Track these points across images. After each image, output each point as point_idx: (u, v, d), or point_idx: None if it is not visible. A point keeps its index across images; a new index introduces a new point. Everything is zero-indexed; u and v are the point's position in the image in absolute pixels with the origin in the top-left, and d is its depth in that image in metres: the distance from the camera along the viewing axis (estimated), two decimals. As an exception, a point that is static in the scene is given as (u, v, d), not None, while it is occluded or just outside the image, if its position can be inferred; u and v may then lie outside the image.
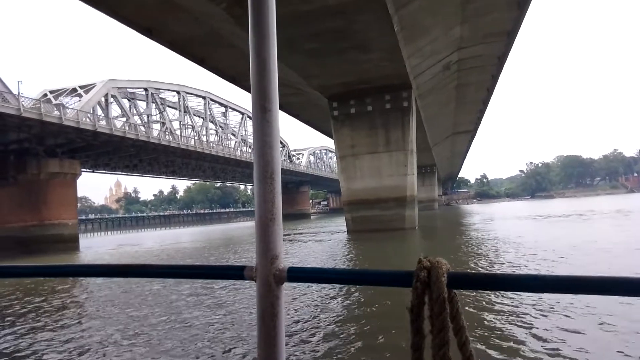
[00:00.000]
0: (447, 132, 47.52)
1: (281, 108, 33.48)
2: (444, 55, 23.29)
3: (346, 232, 26.56)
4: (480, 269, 11.17)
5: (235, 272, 1.00)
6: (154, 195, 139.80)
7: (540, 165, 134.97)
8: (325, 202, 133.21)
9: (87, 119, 31.70)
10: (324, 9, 14.91)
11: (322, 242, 23.41)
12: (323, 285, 8.87)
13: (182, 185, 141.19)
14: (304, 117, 37.65)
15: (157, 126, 44.75)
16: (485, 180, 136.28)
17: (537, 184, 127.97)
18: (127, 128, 35.89)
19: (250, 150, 57.88)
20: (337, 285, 8.97)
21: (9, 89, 28.51)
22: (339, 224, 39.98)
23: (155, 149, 39.71)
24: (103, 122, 34.10)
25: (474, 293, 7.34)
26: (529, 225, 27.07)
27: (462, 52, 23.84)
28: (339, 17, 15.74)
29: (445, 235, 24.65)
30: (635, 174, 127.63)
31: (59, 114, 28.47)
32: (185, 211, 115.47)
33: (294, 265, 0.96)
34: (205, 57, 22.63)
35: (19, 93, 28.22)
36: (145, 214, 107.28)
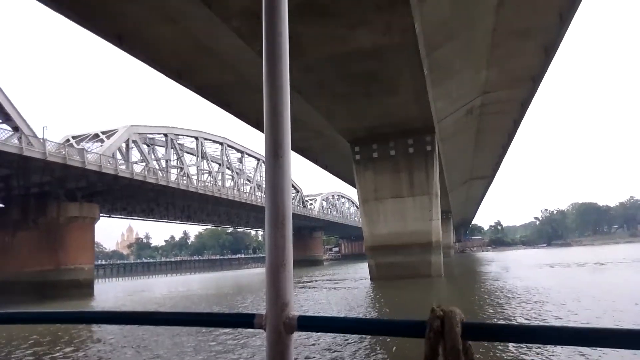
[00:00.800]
0: (465, 177, 47.12)
1: (301, 153, 33.61)
2: (469, 100, 23.35)
3: (369, 279, 25.70)
4: (523, 321, 10.48)
5: (245, 320, 0.99)
6: (166, 240, 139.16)
7: (555, 212, 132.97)
8: (337, 249, 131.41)
9: (109, 164, 31.93)
10: (359, 51, 15.04)
11: (349, 289, 22.64)
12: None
13: (194, 230, 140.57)
14: (322, 162, 37.72)
15: (174, 171, 45.05)
16: (499, 227, 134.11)
17: (553, 231, 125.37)
18: (146, 173, 36.04)
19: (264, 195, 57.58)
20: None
21: (34, 133, 28.94)
22: (357, 270, 39.16)
23: (173, 193, 39.74)
24: (123, 167, 34.33)
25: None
26: (558, 274, 26.06)
27: (485, 97, 23.90)
28: (372, 59, 15.85)
29: (474, 284, 23.69)
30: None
31: (81, 158, 28.70)
32: (196, 257, 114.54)
33: (304, 314, 0.94)
34: (231, 102, 22.90)
35: (43, 138, 28.66)
36: (156, 260, 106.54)
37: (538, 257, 50.98)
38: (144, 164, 39.99)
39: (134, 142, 39.38)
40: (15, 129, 27.85)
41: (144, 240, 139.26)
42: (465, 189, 54.94)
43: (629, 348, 0.65)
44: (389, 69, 16.79)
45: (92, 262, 33.53)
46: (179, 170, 45.36)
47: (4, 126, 27.67)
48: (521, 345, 6.64)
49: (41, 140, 28.01)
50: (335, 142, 29.23)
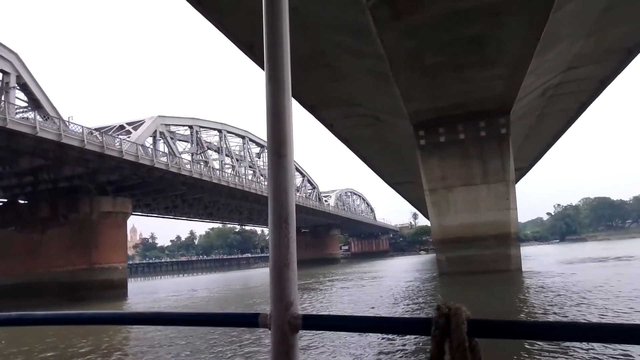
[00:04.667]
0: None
1: (345, 142, 31.42)
2: (552, 76, 21.33)
3: (437, 275, 23.65)
4: None
5: (249, 320, 0.98)
6: (171, 240, 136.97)
7: (568, 207, 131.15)
8: (346, 247, 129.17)
9: (144, 154, 29.71)
10: (480, 7, 12.93)
11: (423, 284, 20.52)
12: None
13: (200, 230, 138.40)
14: (363, 153, 35.55)
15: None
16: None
17: (566, 226, 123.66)
18: (181, 165, 33.82)
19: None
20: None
21: (65, 122, 26.64)
22: (390, 266, 37.02)
23: (202, 187, 37.53)
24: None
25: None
26: (606, 268, 24.03)
27: (567, 74, 21.84)
28: (487, 20, 13.77)
29: (550, 278, 21.54)
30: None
31: (120, 147, 26.45)
32: (203, 257, 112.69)
33: (309, 313, 0.93)
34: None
35: (68, 120, 26.11)
36: (162, 260, 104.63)
37: (563, 254, 48.58)
38: (170, 157, 37.81)
39: (162, 133, 37.19)
40: (46, 117, 25.62)
41: (150, 241, 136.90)
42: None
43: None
44: (501, 33, 14.68)
45: (125, 260, 31.44)
46: (205, 164, 43.18)
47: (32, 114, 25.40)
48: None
49: (75, 127, 25.72)
50: (388, 130, 27.22)
